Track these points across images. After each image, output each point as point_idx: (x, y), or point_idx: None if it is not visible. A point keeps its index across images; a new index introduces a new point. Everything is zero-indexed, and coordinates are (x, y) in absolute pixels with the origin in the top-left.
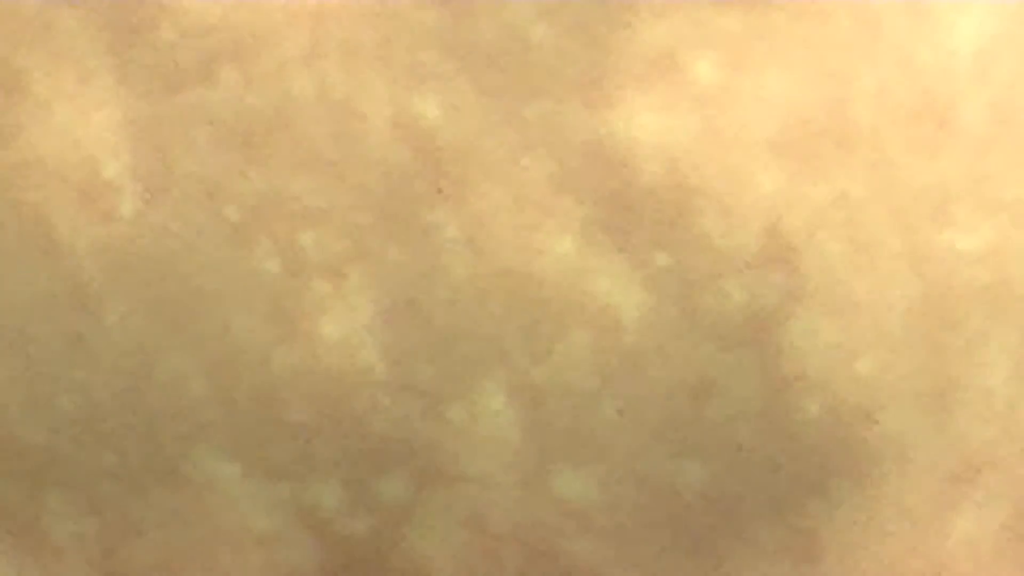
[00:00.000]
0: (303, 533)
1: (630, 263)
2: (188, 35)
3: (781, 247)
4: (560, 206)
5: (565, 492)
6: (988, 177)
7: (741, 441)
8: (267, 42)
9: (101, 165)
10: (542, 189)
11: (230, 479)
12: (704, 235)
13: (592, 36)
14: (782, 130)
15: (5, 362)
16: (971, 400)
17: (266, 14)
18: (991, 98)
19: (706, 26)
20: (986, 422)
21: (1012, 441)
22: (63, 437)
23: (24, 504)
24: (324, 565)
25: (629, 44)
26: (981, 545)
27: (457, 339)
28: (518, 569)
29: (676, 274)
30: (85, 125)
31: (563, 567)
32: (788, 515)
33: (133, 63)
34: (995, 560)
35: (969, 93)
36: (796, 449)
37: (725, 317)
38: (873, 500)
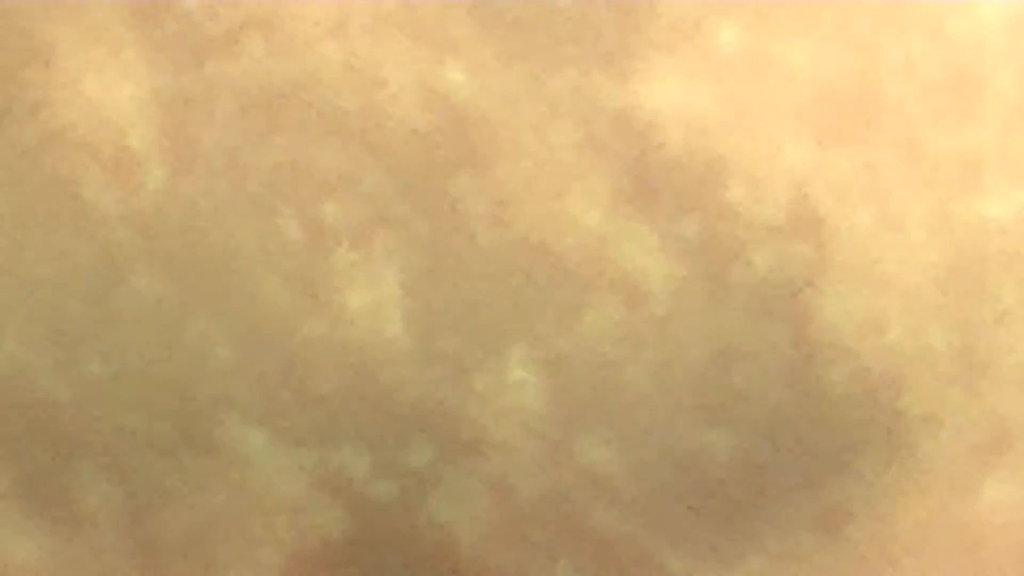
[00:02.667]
0: (330, 500)
1: (656, 232)
2: (214, 5)
3: (808, 216)
4: (586, 175)
5: (591, 461)
6: (1019, 146)
7: (768, 410)
8: (293, 12)
9: (127, 135)
10: (568, 158)
11: (257, 446)
12: (730, 204)
13: (618, 4)
14: (809, 99)
15: (34, 329)
16: (1001, 369)
17: None
18: (1022, 68)
19: None
20: (1016, 391)
21: None
22: (90, 404)
23: (51, 471)
24: (350, 531)
25: (655, 12)
26: (1011, 514)
27: (482, 308)
28: (543, 537)
29: (703, 243)
30: (112, 96)
31: (588, 535)
32: (816, 484)
33: (159, 34)
34: None
35: (999, 63)
36: (824, 418)
37: (752, 287)
38: (902, 469)
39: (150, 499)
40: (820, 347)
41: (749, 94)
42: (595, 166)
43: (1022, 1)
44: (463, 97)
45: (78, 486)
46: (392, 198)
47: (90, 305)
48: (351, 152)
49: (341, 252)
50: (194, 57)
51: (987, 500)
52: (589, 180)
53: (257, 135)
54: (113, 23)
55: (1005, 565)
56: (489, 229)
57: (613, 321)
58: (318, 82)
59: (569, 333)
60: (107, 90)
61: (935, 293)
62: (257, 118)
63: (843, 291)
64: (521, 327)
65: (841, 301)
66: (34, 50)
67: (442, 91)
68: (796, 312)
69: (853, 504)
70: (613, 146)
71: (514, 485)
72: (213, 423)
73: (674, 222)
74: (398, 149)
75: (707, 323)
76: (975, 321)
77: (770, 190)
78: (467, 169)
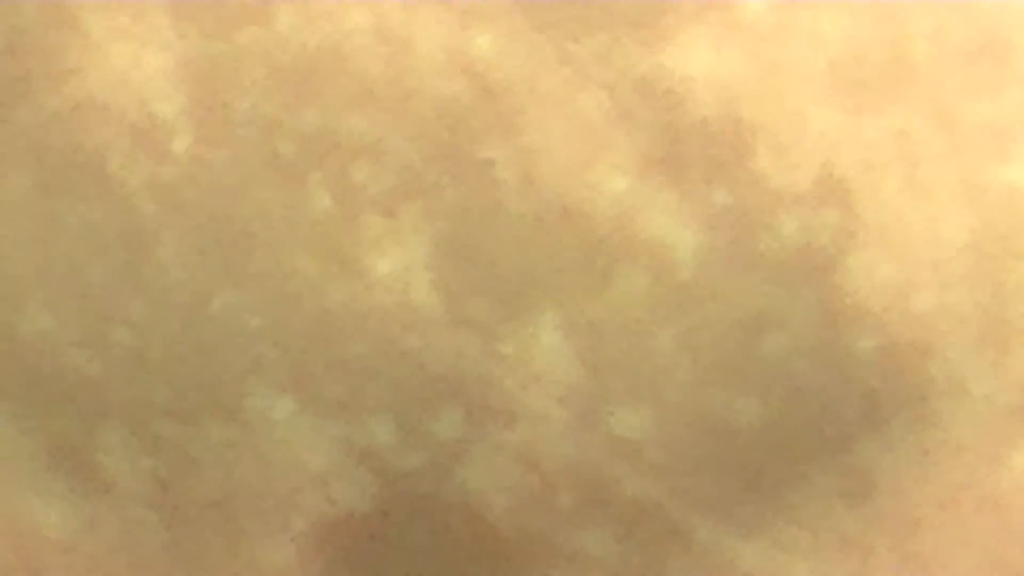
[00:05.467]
0: (357, 468)
1: (684, 199)
2: None
3: (836, 184)
4: (615, 142)
5: (620, 428)
6: None
7: (797, 377)
8: None
9: (155, 104)
10: (596, 125)
11: (284, 414)
12: (758, 172)
13: None
14: (837, 66)
15: (61, 298)
16: None
17: None
18: None
19: None
20: None
21: None
22: (118, 373)
23: (79, 440)
24: (378, 500)
25: None
26: None
27: (511, 275)
28: (572, 505)
29: (731, 211)
30: (140, 64)
31: (617, 503)
32: (843, 451)
33: (188, 1)
34: None
35: None
36: (851, 385)
37: (781, 254)
38: (929, 436)
39: (177, 467)
40: (847, 314)
41: (778, 61)
42: (623, 133)
43: None
44: (491, 64)
45: (106, 455)
46: (421, 165)
47: (117, 275)
48: (380, 119)
49: (369, 219)
50: (223, 24)
51: (1015, 467)
52: (617, 147)
53: (286, 103)
54: None
55: None
56: (517, 195)
57: (641, 288)
58: (347, 50)
59: (597, 300)
60: (134, 58)
61: (963, 260)
62: (286, 86)
63: (871, 258)
64: (549, 294)
65: (869, 268)
66: (60, 17)
67: (471, 58)
68: (824, 279)
69: (880, 471)
70: (641, 113)
71: (543, 452)
72: (241, 391)
73: (702, 189)
74: (427, 116)
75: (735, 290)
76: (1003, 288)
77: (798, 157)
78: (495, 135)
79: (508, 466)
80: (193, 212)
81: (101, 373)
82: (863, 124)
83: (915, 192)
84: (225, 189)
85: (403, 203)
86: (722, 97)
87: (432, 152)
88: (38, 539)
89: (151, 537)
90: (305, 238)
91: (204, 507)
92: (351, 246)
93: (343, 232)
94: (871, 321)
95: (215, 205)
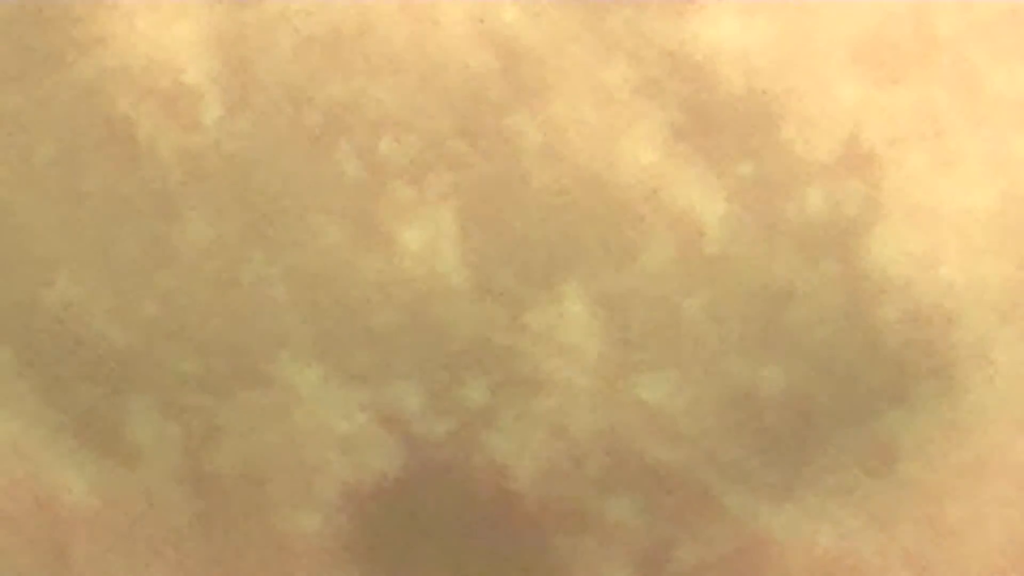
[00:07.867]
0: (384, 437)
1: (711, 171)
2: None
3: (862, 155)
4: (641, 113)
5: (646, 397)
6: None
7: (822, 347)
8: None
9: (184, 72)
10: (623, 96)
11: (312, 383)
12: (785, 143)
13: None
14: (863, 38)
15: (90, 267)
16: None
17: None
18: None
19: None
20: None
21: None
22: (146, 342)
23: (107, 408)
24: (405, 468)
25: None
26: None
27: (538, 245)
28: (598, 474)
29: (757, 182)
30: (168, 32)
31: (643, 472)
32: (868, 421)
33: None
34: None
35: None
36: (877, 355)
37: (807, 225)
38: (953, 406)
39: (204, 435)
40: (873, 284)
41: (804, 33)
42: (650, 104)
43: None
44: (518, 34)
45: (133, 423)
46: (447, 135)
47: (145, 244)
48: (407, 90)
49: (396, 189)
50: None
51: None
52: (644, 118)
53: (314, 72)
54: None
55: None
56: (544, 166)
57: (668, 259)
58: (375, 20)
59: (624, 271)
60: (163, 26)
61: (988, 230)
62: (313, 56)
63: (896, 229)
64: (575, 264)
65: (894, 239)
66: None
67: (497, 29)
68: (849, 250)
69: (905, 440)
70: (668, 84)
71: (569, 421)
72: (268, 360)
73: (728, 160)
74: (454, 87)
75: (761, 261)
76: None
77: (824, 129)
78: (522, 107)
79: (534, 434)
80: (222, 181)
81: (128, 343)
82: (888, 95)
83: (940, 163)
84: (253, 158)
85: (429, 174)
86: (748, 68)
87: (458, 123)
88: (65, 508)
89: (178, 506)
90: (332, 208)
91: (231, 476)
92: (378, 217)
93: (370, 202)
94: (896, 291)
95: (243, 174)
